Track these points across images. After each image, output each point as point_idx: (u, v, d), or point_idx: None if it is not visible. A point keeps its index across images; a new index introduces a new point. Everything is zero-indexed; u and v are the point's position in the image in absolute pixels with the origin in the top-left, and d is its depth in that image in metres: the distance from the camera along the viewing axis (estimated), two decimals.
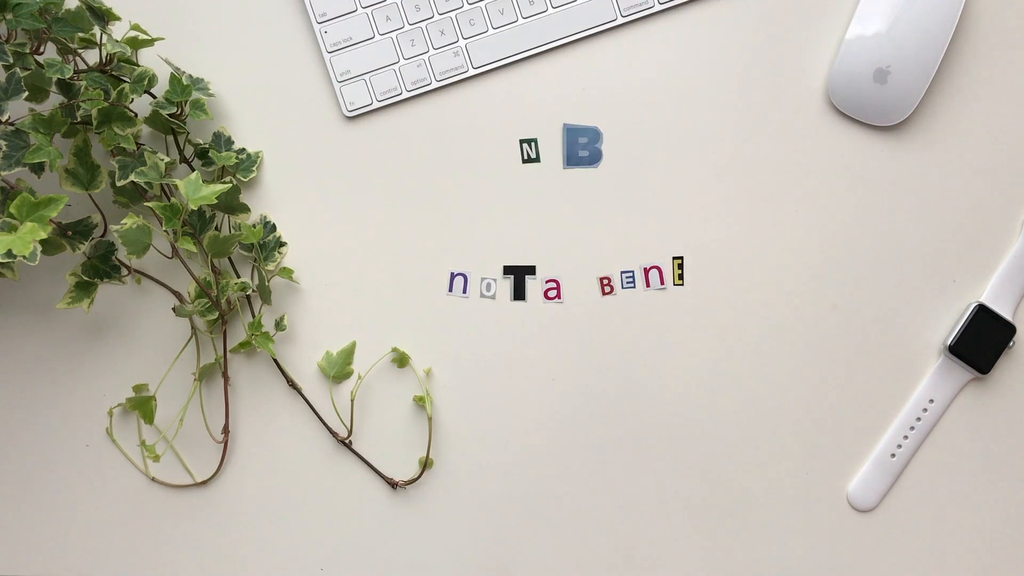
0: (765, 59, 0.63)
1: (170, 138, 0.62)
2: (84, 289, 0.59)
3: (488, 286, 0.63)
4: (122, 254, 0.62)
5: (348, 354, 0.63)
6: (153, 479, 0.64)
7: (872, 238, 0.63)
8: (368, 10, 0.62)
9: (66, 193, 0.55)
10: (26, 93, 0.53)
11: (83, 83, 0.55)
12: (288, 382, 0.63)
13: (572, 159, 0.63)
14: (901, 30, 0.60)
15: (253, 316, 0.63)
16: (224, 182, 0.60)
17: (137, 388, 0.62)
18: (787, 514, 0.63)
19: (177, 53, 0.63)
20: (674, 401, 0.63)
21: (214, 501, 0.64)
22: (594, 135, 0.63)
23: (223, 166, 0.61)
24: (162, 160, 0.57)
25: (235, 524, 0.64)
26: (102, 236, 0.60)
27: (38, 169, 0.55)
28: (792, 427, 0.63)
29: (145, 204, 0.59)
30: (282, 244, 0.63)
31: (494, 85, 0.63)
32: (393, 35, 0.62)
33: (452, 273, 0.63)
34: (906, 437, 0.62)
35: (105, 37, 0.56)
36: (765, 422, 0.63)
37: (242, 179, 0.62)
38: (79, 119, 0.56)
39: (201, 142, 0.61)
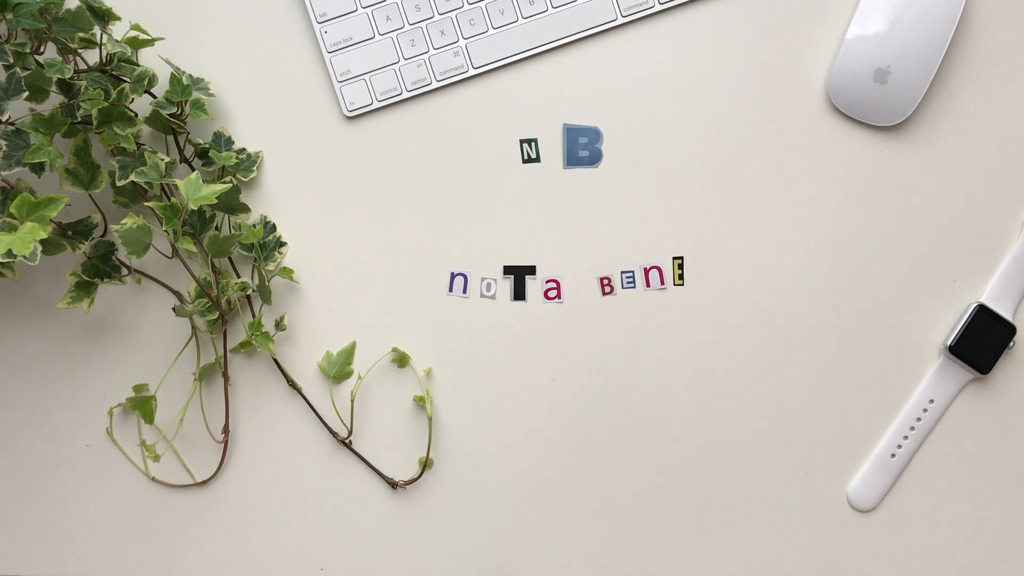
0: (765, 59, 0.63)
1: (170, 138, 0.62)
2: (84, 289, 0.59)
3: (488, 286, 0.63)
4: (122, 254, 0.62)
5: (348, 354, 0.63)
6: (153, 479, 0.64)
7: (872, 238, 0.63)
8: (368, 10, 0.62)
9: (66, 193, 0.55)
10: (26, 93, 0.53)
11: (83, 83, 0.55)
12: (288, 382, 0.63)
13: (572, 159, 0.63)
14: (901, 30, 0.60)
15: (253, 316, 0.63)
16: (224, 182, 0.60)
17: (137, 388, 0.62)
18: (787, 514, 0.63)
19: (177, 53, 0.63)
20: (674, 401, 0.63)
21: (214, 501, 0.64)
22: (594, 135, 0.63)
23: (223, 166, 0.61)
24: (162, 160, 0.57)
25: (235, 524, 0.64)
26: (102, 236, 0.60)
27: (38, 169, 0.55)
28: (792, 427, 0.63)
29: (145, 204, 0.59)
30: (282, 244, 0.63)
31: (494, 85, 0.63)
32: (393, 35, 0.62)
33: (452, 273, 0.63)
34: (906, 437, 0.62)
35: (105, 37, 0.56)
36: (765, 422, 0.63)
37: (242, 179, 0.62)
38: (79, 119, 0.56)
39: (201, 142, 0.61)
